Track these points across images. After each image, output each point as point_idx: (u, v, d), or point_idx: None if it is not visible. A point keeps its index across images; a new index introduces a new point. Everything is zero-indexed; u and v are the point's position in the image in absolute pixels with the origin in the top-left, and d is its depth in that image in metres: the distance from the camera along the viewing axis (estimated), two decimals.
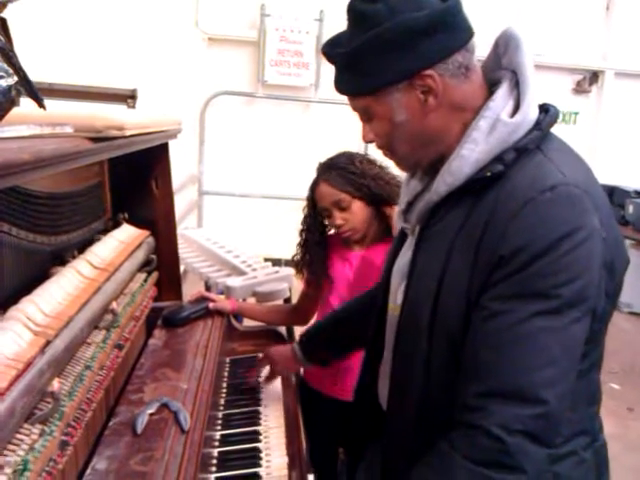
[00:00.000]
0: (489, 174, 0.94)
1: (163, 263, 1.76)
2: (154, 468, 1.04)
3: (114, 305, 1.26)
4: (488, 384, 0.89)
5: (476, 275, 0.92)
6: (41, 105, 0.75)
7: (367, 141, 1.07)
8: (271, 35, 5.76)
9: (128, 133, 1.06)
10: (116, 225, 1.60)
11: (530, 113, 0.97)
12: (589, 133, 6.36)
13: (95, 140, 1.01)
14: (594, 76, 6.52)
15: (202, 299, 1.74)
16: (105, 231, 1.53)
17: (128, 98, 1.65)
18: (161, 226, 1.77)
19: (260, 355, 1.69)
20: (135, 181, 1.73)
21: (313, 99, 5.95)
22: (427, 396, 1.00)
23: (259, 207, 5.90)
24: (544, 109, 1.01)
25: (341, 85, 1.04)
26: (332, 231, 1.85)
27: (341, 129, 5.90)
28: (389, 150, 1.06)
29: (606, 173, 5.23)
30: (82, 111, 1.08)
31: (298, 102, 5.95)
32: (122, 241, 1.47)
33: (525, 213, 0.88)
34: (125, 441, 1.12)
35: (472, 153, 0.96)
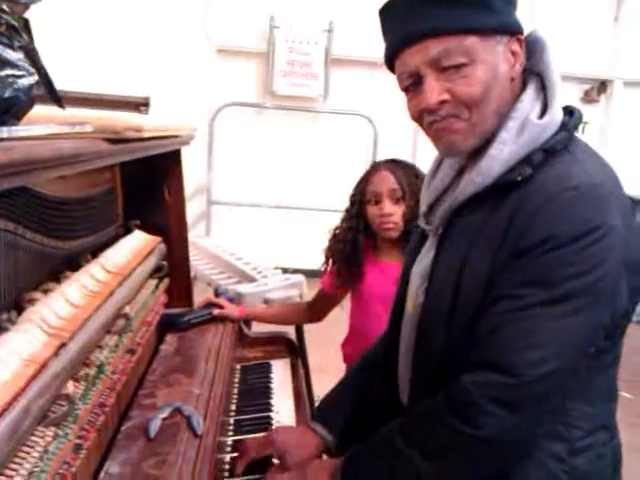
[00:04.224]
0: (519, 178, 0.96)
1: (174, 270, 1.77)
2: (167, 472, 1.04)
3: (127, 310, 1.27)
4: (478, 355, 0.95)
5: (497, 266, 0.95)
6: (60, 105, 0.76)
7: (437, 101, 0.97)
8: (280, 46, 5.78)
9: (146, 135, 1.07)
10: (128, 231, 1.60)
11: (557, 115, 0.98)
12: (598, 143, 6.34)
13: (112, 142, 1.02)
14: (602, 85, 6.51)
15: (209, 304, 1.75)
16: (117, 237, 1.54)
17: (141, 106, 1.67)
18: (173, 233, 1.77)
19: (254, 439, 1.30)
20: (147, 188, 1.74)
21: (322, 110, 5.96)
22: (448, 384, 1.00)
23: (268, 217, 5.91)
24: (568, 111, 1.02)
25: (453, 18, 0.95)
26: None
27: (350, 140, 5.92)
28: (473, 106, 0.97)
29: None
30: (101, 113, 1.10)
31: (307, 113, 5.96)
32: (134, 247, 1.48)
33: (549, 208, 0.90)
34: (138, 445, 1.12)
35: (501, 153, 0.98)
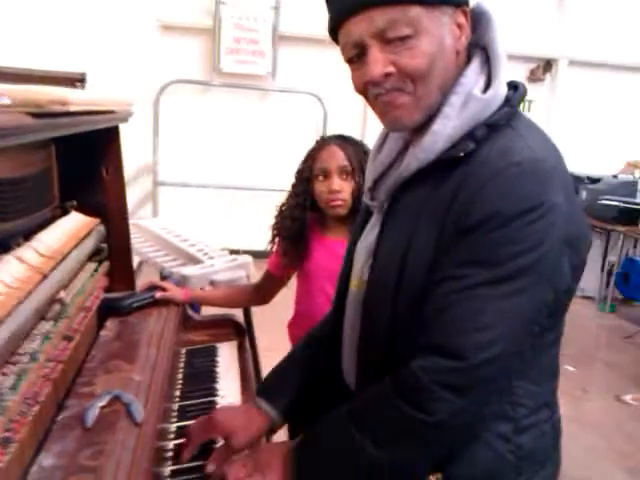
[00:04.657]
0: (462, 154, 0.94)
1: (115, 252, 1.71)
2: (105, 462, 1.00)
3: (62, 295, 1.22)
4: (425, 338, 0.94)
5: (441, 246, 0.94)
6: None
7: (382, 73, 0.95)
8: (226, 23, 5.68)
9: (73, 109, 1.01)
10: (65, 213, 1.54)
11: (501, 89, 0.97)
12: (543, 121, 6.46)
13: (37, 117, 0.95)
14: (548, 64, 6.62)
15: (152, 287, 1.70)
16: (53, 219, 1.47)
17: (76, 82, 1.58)
18: (112, 214, 1.71)
19: (196, 424, 1.23)
20: (85, 168, 1.66)
21: (270, 88, 5.89)
22: (395, 368, 0.99)
23: (216, 198, 5.84)
24: (512, 86, 1.01)
25: None
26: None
27: (299, 118, 5.88)
28: (419, 79, 0.95)
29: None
30: (22, 86, 1.03)
31: (255, 91, 5.89)
32: (71, 229, 1.41)
33: (492, 185, 0.89)
34: (74, 435, 1.07)
35: (445, 129, 0.96)
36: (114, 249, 1.70)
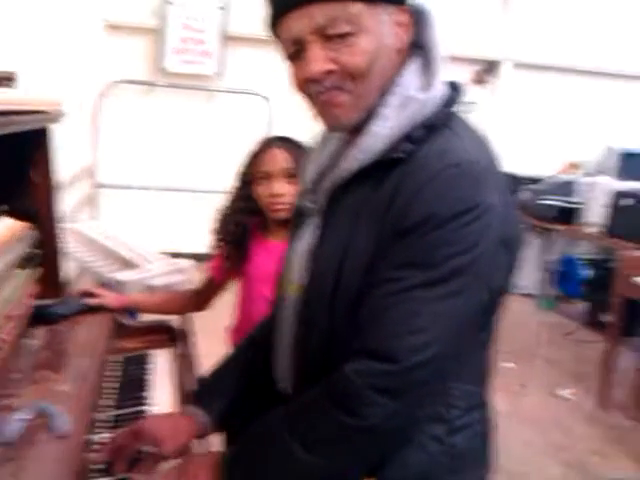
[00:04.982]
0: (400, 155, 0.94)
1: (47, 258, 1.67)
2: (26, 478, 0.97)
3: None
4: (359, 342, 0.93)
5: (380, 247, 0.93)
6: None
7: (322, 71, 0.95)
8: (173, 23, 5.61)
9: None
10: None
11: (439, 90, 0.98)
12: (487, 122, 6.56)
13: None
14: (492, 67, 6.73)
15: (85, 294, 1.66)
16: None
17: (5, 80, 1.52)
18: (44, 219, 1.66)
19: (123, 433, 1.18)
20: (15, 171, 1.62)
21: (217, 88, 5.84)
22: (332, 369, 0.98)
23: (159, 200, 5.75)
24: (451, 86, 1.02)
25: None
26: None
27: (246, 119, 5.84)
28: (359, 77, 0.95)
29: (502, 161, 5.38)
30: None
31: (201, 92, 5.83)
32: None
33: (430, 187, 0.90)
34: None
35: (383, 129, 0.96)
36: (46, 255, 1.66)
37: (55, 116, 1.59)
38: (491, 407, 1.13)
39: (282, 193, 1.67)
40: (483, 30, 6.52)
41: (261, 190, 1.72)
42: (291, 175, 1.66)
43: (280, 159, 1.69)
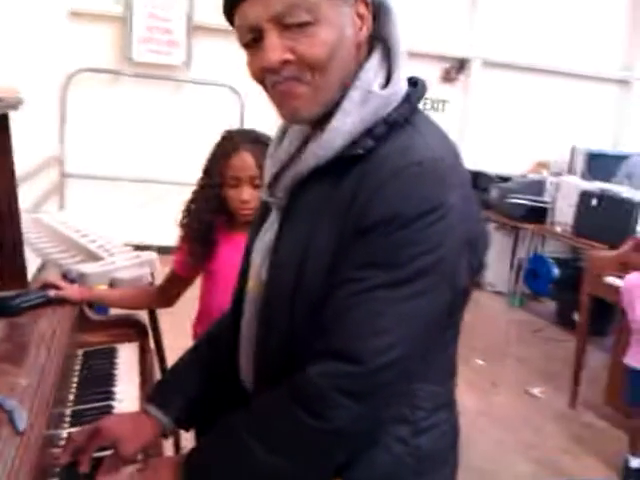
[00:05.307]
0: (361, 151, 0.92)
1: (6, 249, 1.61)
2: None
3: None
4: (323, 343, 0.91)
5: (340, 247, 0.91)
6: None
7: (279, 60, 0.91)
8: (139, 11, 5.51)
9: None
10: None
11: (401, 85, 0.95)
12: (457, 120, 6.61)
13: None
14: (461, 65, 6.77)
15: (46, 286, 1.60)
16: None
17: None
18: (3, 208, 1.60)
19: (82, 432, 1.14)
20: None
21: (184, 79, 5.76)
22: (293, 369, 0.96)
23: (125, 191, 5.66)
24: (412, 82, 0.99)
25: None
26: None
27: (215, 111, 5.77)
28: (318, 69, 0.92)
29: (472, 159, 5.44)
30: None
31: (169, 82, 5.75)
32: None
33: (392, 185, 0.87)
34: None
35: (344, 125, 0.93)
36: (4, 245, 1.60)
37: (13, 103, 1.52)
38: (457, 406, 1.11)
39: (249, 199, 1.68)
40: (452, 28, 6.56)
41: (230, 193, 1.72)
42: (258, 183, 1.65)
43: (248, 165, 1.67)
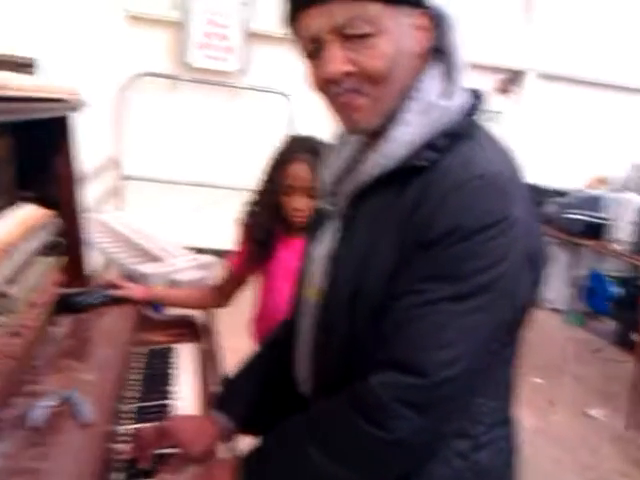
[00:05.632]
0: (424, 163, 0.92)
1: (71, 248, 1.65)
2: (50, 465, 0.96)
3: (12, 289, 1.16)
4: (385, 353, 0.91)
5: (401, 257, 0.91)
6: None
7: (341, 72, 0.92)
8: (197, 17, 5.61)
9: (11, 94, 0.95)
10: (17, 204, 1.47)
11: (462, 97, 0.95)
12: (511, 132, 6.51)
13: None
14: (516, 76, 6.67)
15: (110, 285, 1.65)
16: (5, 210, 1.41)
17: (24, 67, 1.50)
18: (67, 208, 1.65)
19: (150, 432, 1.18)
20: (39, 158, 1.60)
21: (240, 85, 5.84)
22: (351, 378, 0.96)
23: (183, 194, 5.76)
24: (473, 94, 0.99)
25: None
26: None
27: (268, 117, 5.83)
28: (378, 80, 0.92)
29: (527, 172, 5.32)
30: None
31: (224, 88, 5.83)
32: (22, 221, 1.35)
33: (454, 198, 0.87)
34: (18, 436, 1.03)
35: (404, 136, 0.94)
36: (70, 244, 1.65)
37: (75, 105, 1.57)
38: (516, 423, 1.10)
39: (301, 208, 1.74)
40: (507, 39, 6.47)
41: (285, 200, 1.78)
42: (311, 193, 1.70)
43: (303, 177, 1.72)
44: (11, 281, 1.18)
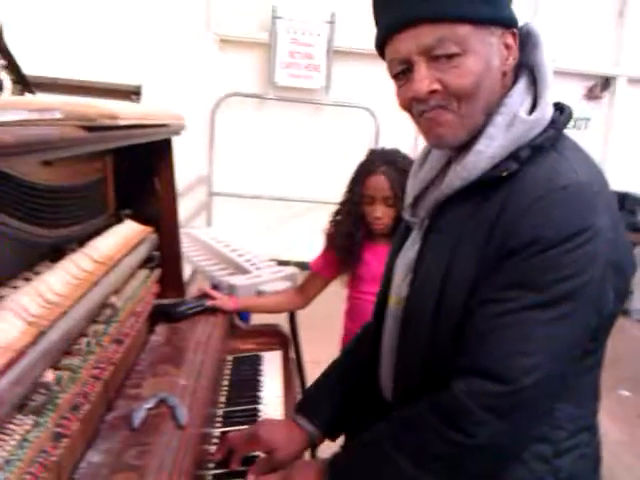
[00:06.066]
0: (505, 173, 0.94)
1: (166, 260, 1.76)
2: (149, 462, 1.04)
3: (113, 299, 1.26)
4: (468, 360, 0.94)
5: (483, 267, 0.93)
6: (29, 90, 0.75)
7: (428, 91, 0.95)
8: (282, 37, 5.76)
9: (122, 123, 1.05)
10: (119, 221, 1.59)
11: (547, 111, 0.97)
12: (601, 139, 6.31)
13: (89, 130, 1.00)
14: (606, 82, 6.46)
15: (203, 296, 1.75)
16: (107, 227, 1.53)
17: (132, 94, 1.64)
18: (164, 223, 1.76)
19: (239, 437, 1.24)
20: (139, 178, 1.72)
21: (324, 102, 5.94)
22: (432, 385, 0.99)
23: (268, 209, 5.90)
24: (559, 108, 1.00)
25: (447, 5, 0.92)
26: None
27: (352, 132, 5.90)
28: (464, 98, 0.95)
29: (617, 179, 5.17)
30: (74, 100, 1.06)
31: (309, 104, 5.95)
32: (124, 237, 1.46)
33: (536, 209, 0.89)
34: (122, 435, 1.12)
35: (488, 149, 0.96)
36: (165, 257, 1.75)
37: (177, 128, 1.68)
38: (599, 431, 1.09)
39: (381, 217, 1.87)
40: (597, 45, 6.28)
41: (366, 209, 1.91)
42: (390, 203, 1.84)
43: (382, 187, 1.85)
44: (115, 292, 1.28)
